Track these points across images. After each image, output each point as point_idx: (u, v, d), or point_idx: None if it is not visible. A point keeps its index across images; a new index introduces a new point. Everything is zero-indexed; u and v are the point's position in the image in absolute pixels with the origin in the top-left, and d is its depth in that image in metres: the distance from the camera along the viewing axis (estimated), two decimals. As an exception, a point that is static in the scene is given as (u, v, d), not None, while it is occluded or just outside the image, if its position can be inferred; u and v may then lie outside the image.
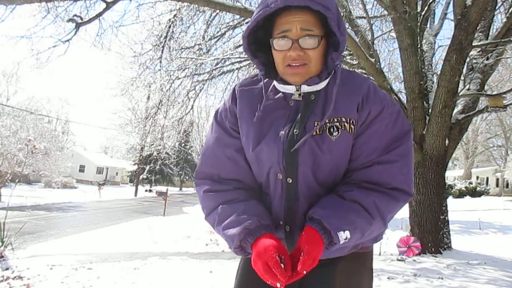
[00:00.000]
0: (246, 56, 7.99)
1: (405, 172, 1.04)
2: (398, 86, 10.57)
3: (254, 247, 0.98)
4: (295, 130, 1.06)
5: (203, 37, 8.60)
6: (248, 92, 1.17)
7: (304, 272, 0.92)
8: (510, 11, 6.14)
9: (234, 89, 1.21)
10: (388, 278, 4.36)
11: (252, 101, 1.15)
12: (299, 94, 1.09)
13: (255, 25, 1.07)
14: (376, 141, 1.05)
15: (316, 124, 1.04)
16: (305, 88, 1.09)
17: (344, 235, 0.95)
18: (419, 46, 6.34)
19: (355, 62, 6.56)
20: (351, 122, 1.04)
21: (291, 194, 1.08)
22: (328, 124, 1.04)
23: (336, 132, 1.03)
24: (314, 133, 1.04)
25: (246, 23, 7.98)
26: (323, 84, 1.09)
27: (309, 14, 1.03)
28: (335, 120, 1.04)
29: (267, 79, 1.16)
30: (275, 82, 1.14)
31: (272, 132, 1.09)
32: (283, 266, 0.92)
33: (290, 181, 1.07)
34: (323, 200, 1.03)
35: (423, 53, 6.82)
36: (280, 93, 1.13)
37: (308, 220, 1.00)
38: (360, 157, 1.05)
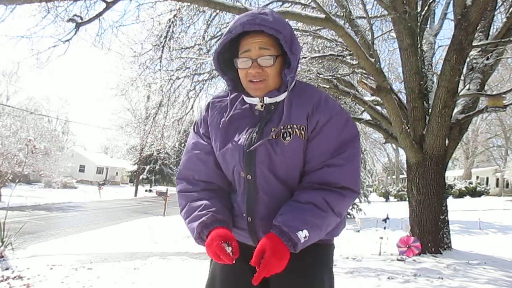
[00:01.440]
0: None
1: (351, 173, 1.21)
2: (398, 86, 10.59)
3: (207, 239, 1.19)
4: (254, 135, 1.24)
5: (203, 37, 8.58)
6: (219, 104, 1.39)
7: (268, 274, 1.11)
8: (510, 11, 6.14)
9: (209, 101, 1.42)
10: (388, 278, 4.36)
11: (221, 111, 1.36)
12: (262, 105, 1.29)
13: (222, 48, 1.28)
14: (325, 145, 1.22)
15: (273, 130, 1.23)
16: (267, 100, 1.28)
17: (303, 234, 1.11)
18: (419, 46, 6.33)
19: (355, 62, 6.55)
20: (301, 128, 1.22)
21: (251, 189, 1.25)
22: (282, 130, 1.22)
23: (289, 137, 1.22)
24: (271, 138, 1.22)
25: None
26: (282, 96, 1.27)
27: (265, 36, 1.23)
28: (288, 126, 1.23)
29: (236, 93, 1.36)
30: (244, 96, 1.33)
31: (236, 136, 1.28)
32: (230, 249, 1.16)
33: (250, 177, 1.24)
34: (283, 207, 1.19)
35: (423, 53, 6.82)
36: (247, 104, 1.33)
37: (272, 228, 1.15)
38: (312, 159, 1.23)
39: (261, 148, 1.22)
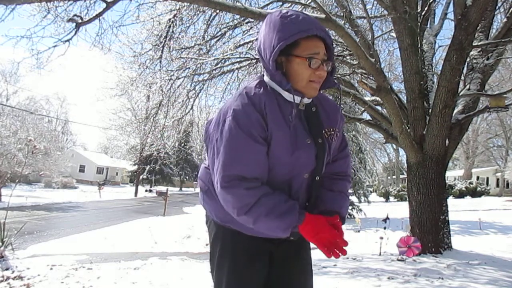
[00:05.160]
0: (246, 56, 7.96)
1: (350, 164, 1.56)
2: (398, 86, 10.54)
3: (306, 225, 1.24)
4: (319, 140, 1.36)
5: (203, 37, 8.57)
6: (271, 103, 1.30)
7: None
8: (510, 11, 6.13)
9: (255, 99, 1.28)
10: (388, 278, 4.36)
11: (275, 111, 1.30)
12: (303, 105, 1.36)
13: (287, 42, 1.24)
14: (337, 143, 1.49)
15: (327, 133, 1.40)
16: (305, 101, 1.35)
17: (346, 215, 1.45)
18: (419, 46, 6.33)
19: (355, 62, 6.54)
20: (338, 130, 1.45)
21: (317, 188, 1.41)
22: (328, 133, 1.40)
23: (334, 139, 1.43)
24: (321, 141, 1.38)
25: (246, 23, 7.96)
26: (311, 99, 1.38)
27: (323, 44, 1.30)
28: (332, 129, 1.42)
29: (263, 90, 1.31)
30: (283, 92, 1.31)
31: (301, 140, 1.32)
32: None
33: (318, 178, 1.40)
34: (328, 196, 1.42)
35: (423, 53, 6.81)
36: (284, 103, 1.33)
37: (329, 212, 1.35)
38: (330, 154, 1.44)
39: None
